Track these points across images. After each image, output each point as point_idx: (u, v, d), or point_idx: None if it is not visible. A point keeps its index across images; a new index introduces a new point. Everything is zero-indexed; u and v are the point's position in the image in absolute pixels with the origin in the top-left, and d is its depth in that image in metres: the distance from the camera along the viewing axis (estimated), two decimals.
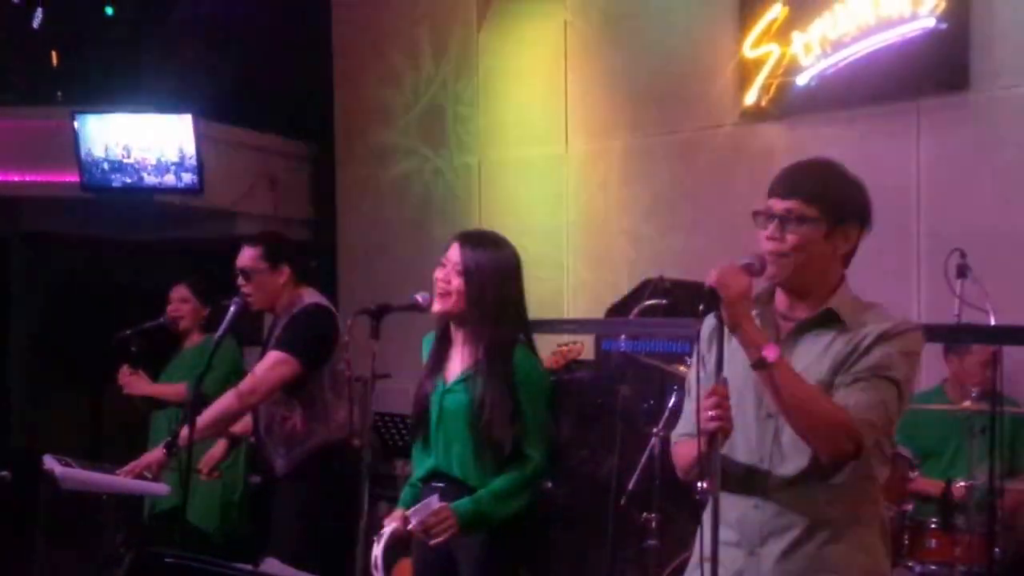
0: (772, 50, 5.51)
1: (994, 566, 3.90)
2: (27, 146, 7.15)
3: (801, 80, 5.40)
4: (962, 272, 4.17)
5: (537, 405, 3.15)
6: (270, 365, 3.92)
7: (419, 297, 3.18)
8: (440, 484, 3.17)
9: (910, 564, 4.04)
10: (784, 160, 2.43)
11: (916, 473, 4.23)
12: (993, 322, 4.04)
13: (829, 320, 2.32)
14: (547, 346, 4.84)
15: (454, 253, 3.16)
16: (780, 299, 2.40)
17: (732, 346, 2.25)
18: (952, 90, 4.99)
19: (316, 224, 7.91)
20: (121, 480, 3.81)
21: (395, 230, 7.27)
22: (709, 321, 2.33)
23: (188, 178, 6.93)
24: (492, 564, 3.11)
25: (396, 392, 4.61)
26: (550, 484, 4.38)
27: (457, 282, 3.12)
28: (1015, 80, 4.84)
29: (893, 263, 4.93)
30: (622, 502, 4.39)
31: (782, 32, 5.48)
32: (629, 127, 6.24)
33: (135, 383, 4.97)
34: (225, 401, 3.91)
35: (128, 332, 4.94)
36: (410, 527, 3.04)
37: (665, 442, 4.25)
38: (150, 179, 6.96)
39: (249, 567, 2.48)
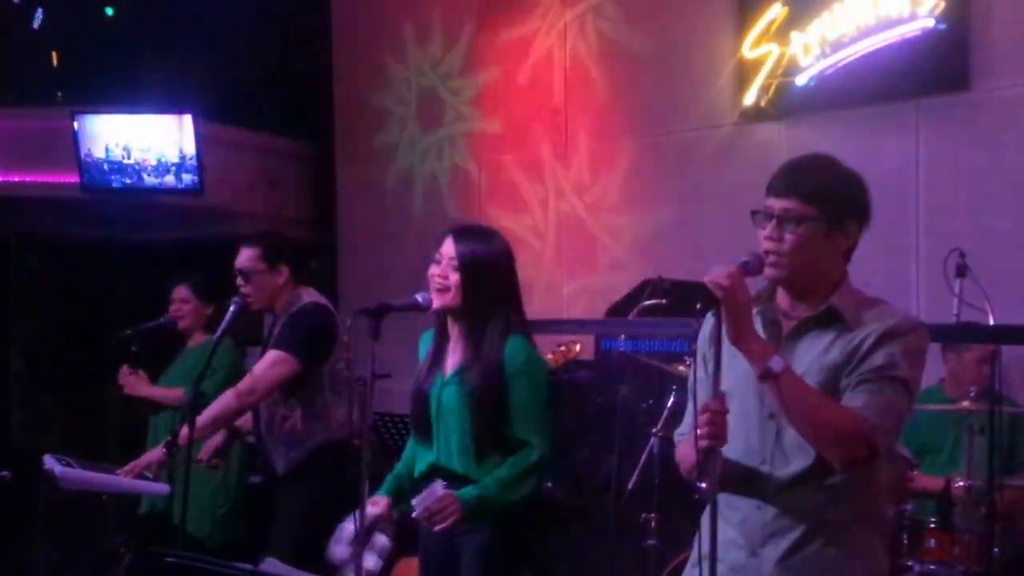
0: (771, 50, 5.51)
1: (993, 566, 3.89)
2: (27, 146, 7.15)
3: (800, 80, 5.40)
4: (961, 272, 4.17)
5: (534, 393, 3.14)
6: (269, 364, 3.93)
7: (419, 297, 3.18)
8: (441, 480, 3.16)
9: (909, 563, 4.04)
10: (783, 161, 2.41)
11: (916, 473, 4.23)
12: (992, 322, 4.04)
13: (831, 318, 2.29)
14: (547, 346, 4.83)
15: (448, 247, 3.17)
16: (781, 297, 2.37)
17: (732, 346, 2.23)
18: (951, 90, 4.98)
19: (316, 224, 7.90)
20: (121, 480, 3.82)
21: (395, 230, 7.26)
22: (708, 320, 2.32)
23: (188, 178, 6.93)
24: (495, 557, 3.11)
25: (396, 392, 4.60)
26: (550, 484, 4.37)
27: (455, 276, 3.13)
28: (1015, 80, 4.84)
29: (893, 263, 4.93)
30: (622, 502, 4.39)
31: (781, 32, 5.48)
32: (629, 127, 6.24)
33: (135, 383, 4.96)
34: (224, 400, 3.92)
35: (129, 332, 4.93)
36: (414, 515, 3.06)
37: (664, 442, 4.26)
38: (150, 179, 6.96)
39: (249, 567, 2.49)
